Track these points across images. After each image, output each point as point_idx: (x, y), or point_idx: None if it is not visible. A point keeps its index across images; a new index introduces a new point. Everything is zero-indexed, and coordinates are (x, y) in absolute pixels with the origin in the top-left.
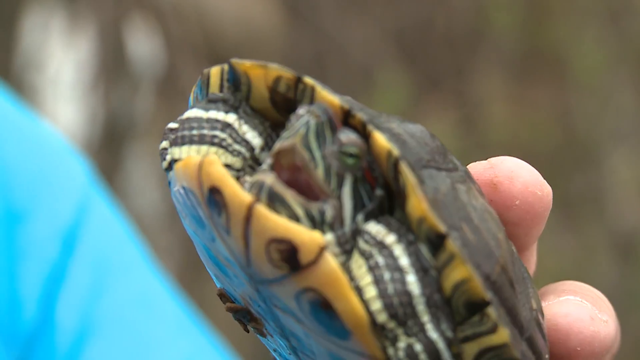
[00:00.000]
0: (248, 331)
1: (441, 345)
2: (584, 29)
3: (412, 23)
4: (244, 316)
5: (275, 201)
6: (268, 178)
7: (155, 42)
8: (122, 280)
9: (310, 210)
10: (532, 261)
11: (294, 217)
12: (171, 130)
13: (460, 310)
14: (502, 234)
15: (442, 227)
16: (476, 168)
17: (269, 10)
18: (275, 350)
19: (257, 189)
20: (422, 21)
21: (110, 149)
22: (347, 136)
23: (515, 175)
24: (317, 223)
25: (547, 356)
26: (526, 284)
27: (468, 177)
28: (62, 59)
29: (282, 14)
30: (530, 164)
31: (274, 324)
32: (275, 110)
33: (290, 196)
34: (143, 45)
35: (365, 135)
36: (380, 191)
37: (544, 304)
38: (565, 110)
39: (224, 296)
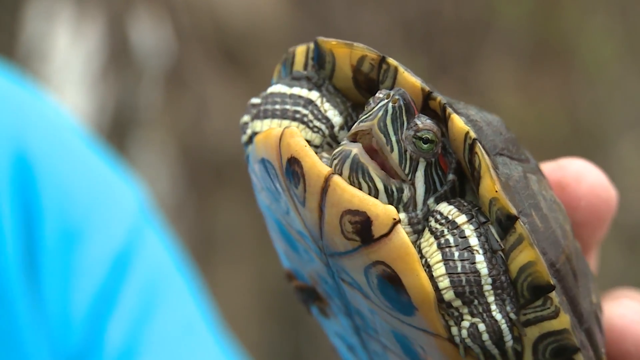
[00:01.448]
0: (310, 313)
1: (504, 326)
2: (592, 19)
3: (420, 12)
4: (310, 295)
5: (357, 171)
6: (354, 148)
7: (163, 32)
8: (169, 307)
9: (390, 185)
10: (592, 265)
11: (373, 191)
12: (253, 105)
13: (524, 293)
14: (569, 226)
15: (513, 209)
16: (545, 168)
17: (278, 1)
18: (336, 334)
19: (342, 158)
20: (430, 11)
21: (117, 139)
22: (424, 122)
23: (582, 177)
24: (393, 200)
25: (603, 350)
26: (588, 278)
27: (539, 170)
28: (69, 49)
29: (290, 4)
30: (537, 152)
31: (340, 301)
32: (357, 90)
33: (373, 168)
34: (151, 35)
35: (443, 119)
36: (453, 175)
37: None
38: (573, 99)
39: (291, 277)
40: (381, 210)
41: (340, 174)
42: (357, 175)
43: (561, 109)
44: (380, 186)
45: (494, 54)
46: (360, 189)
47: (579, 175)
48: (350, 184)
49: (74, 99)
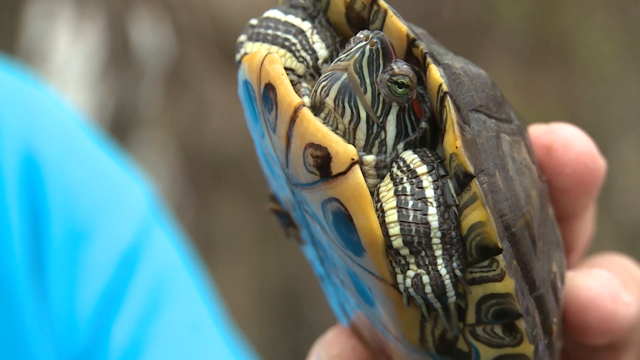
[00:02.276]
0: (289, 236)
1: (448, 281)
2: (591, 18)
3: (420, 12)
4: (285, 219)
5: (345, 95)
6: (346, 73)
7: (163, 32)
8: (176, 306)
9: (372, 117)
10: (586, 230)
11: (355, 118)
12: (251, 26)
13: (472, 252)
14: (536, 192)
15: (470, 167)
16: (535, 131)
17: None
18: (311, 262)
19: (332, 80)
20: (430, 10)
21: (117, 138)
22: (400, 66)
23: (570, 144)
24: (371, 134)
25: (555, 319)
26: (551, 246)
27: (519, 132)
28: (69, 49)
29: None
30: None
31: (306, 231)
32: (349, 27)
33: (360, 94)
34: (151, 35)
35: (424, 68)
36: (425, 124)
37: (573, 272)
38: (573, 99)
39: (273, 199)
40: (342, 148)
41: (327, 96)
42: (343, 99)
43: (561, 109)
44: (363, 115)
45: (494, 53)
46: (343, 114)
47: (567, 142)
48: (335, 107)
49: (74, 99)
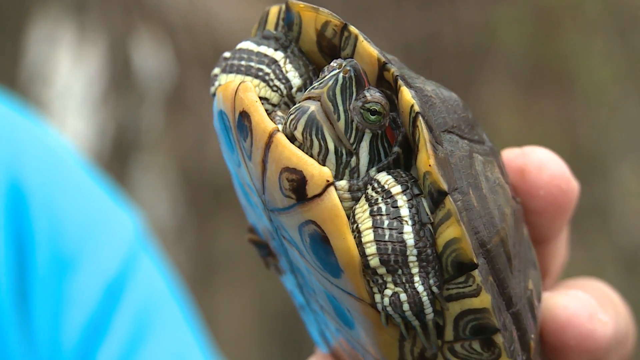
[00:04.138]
0: (268, 267)
1: (425, 298)
2: (591, 43)
3: (420, 36)
4: (263, 249)
5: (312, 128)
6: (313, 105)
7: (164, 55)
8: (161, 335)
9: (340, 148)
10: (560, 253)
11: (324, 150)
12: (225, 58)
13: (448, 269)
14: (510, 210)
15: (444, 184)
16: (509, 154)
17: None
18: (291, 292)
19: (299, 114)
20: (430, 34)
21: (118, 162)
22: (372, 94)
23: (543, 166)
24: (341, 163)
25: (532, 336)
26: (527, 265)
27: (492, 153)
28: (70, 73)
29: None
30: None
31: (285, 258)
32: (321, 55)
33: (328, 128)
34: (152, 58)
35: (395, 91)
36: (398, 148)
37: (550, 293)
38: (572, 122)
39: (251, 230)
40: (317, 170)
41: (295, 129)
42: (310, 132)
43: (560, 132)
44: (331, 146)
45: (494, 77)
46: (312, 146)
47: (541, 164)
48: (303, 140)
49: (75, 122)
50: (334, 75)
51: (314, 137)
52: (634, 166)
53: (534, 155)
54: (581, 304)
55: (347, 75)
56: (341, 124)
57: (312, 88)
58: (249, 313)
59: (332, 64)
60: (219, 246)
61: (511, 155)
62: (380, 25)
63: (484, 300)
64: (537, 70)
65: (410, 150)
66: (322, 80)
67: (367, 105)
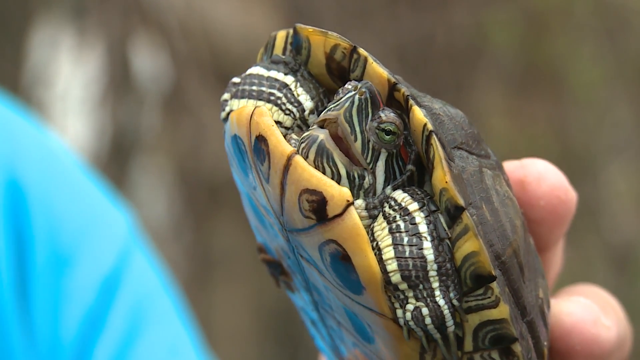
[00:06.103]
0: (279, 286)
1: (447, 311)
2: (581, 45)
3: (413, 39)
4: (276, 268)
5: (323, 156)
6: (321, 134)
7: (161, 58)
8: (155, 329)
9: (352, 172)
10: (556, 262)
11: (336, 176)
12: (234, 84)
13: (467, 282)
14: (520, 222)
15: (460, 200)
16: (509, 166)
17: (274, 26)
18: (302, 309)
19: (309, 143)
20: (423, 37)
21: (117, 162)
22: (387, 114)
23: (543, 178)
24: (355, 186)
25: (545, 343)
26: (537, 274)
27: (498, 166)
28: (70, 75)
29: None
30: None
31: (300, 276)
32: (330, 77)
33: (338, 155)
34: (150, 61)
35: (406, 111)
36: (412, 166)
37: (554, 300)
38: (562, 124)
39: (262, 250)
40: (336, 191)
41: (307, 158)
42: (321, 160)
43: (551, 134)
44: (343, 172)
45: (485, 79)
46: (324, 173)
47: (540, 176)
48: (315, 168)
49: (75, 124)
50: (350, 97)
51: (325, 165)
52: (623, 167)
53: (533, 167)
54: (585, 309)
55: (362, 96)
56: (358, 144)
57: (328, 110)
58: (246, 311)
59: (347, 85)
60: (216, 245)
61: (511, 168)
62: (374, 29)
63: (503, 311)
64: (528, 72)
65: (421, 167)
66: (337, 102)
67: (382, 126)
